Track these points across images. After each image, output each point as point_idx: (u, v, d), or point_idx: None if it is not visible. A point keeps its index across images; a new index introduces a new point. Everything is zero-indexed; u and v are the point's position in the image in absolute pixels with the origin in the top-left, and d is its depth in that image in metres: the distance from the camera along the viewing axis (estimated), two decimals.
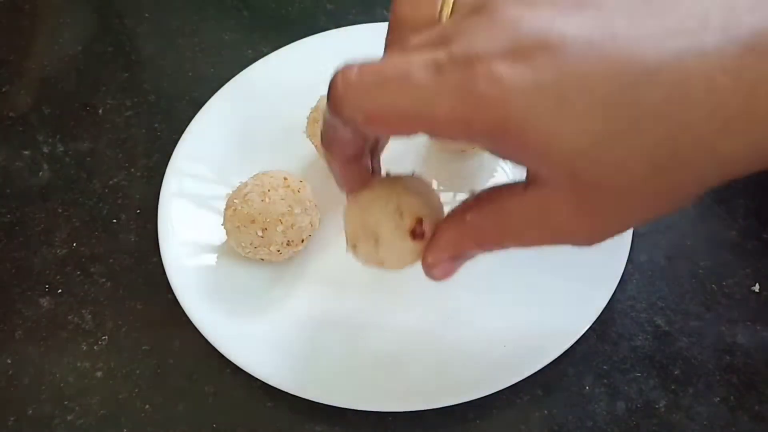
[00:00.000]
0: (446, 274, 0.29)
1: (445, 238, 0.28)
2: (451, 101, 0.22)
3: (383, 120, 0.24)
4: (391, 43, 0.29)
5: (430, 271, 0.29)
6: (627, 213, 0.24)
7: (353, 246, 0.31)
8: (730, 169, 0.22)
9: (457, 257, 0.28)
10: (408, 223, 0.30)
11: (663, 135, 0.21)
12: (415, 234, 0.30)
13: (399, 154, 0.44)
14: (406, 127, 0.24)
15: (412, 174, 0.32)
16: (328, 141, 0.29)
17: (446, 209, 0.44)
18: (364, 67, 0.24)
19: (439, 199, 0.32)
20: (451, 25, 0.24)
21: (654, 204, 0.23)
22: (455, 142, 0.25)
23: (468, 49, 0.22)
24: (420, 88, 0.23)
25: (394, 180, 0.31)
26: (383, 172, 0.32)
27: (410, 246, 0.30)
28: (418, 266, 0.29)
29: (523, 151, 0.23)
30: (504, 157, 0.24)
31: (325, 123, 0.28)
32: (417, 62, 0.23)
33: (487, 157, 0.44)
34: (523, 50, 0.22)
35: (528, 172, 0.25)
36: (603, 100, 0.21)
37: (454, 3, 0.27)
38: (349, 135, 0.28)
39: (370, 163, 0.30)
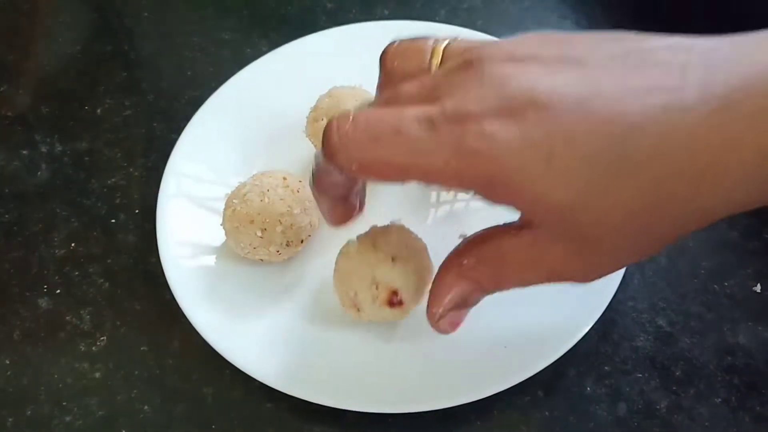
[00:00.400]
0: (454, 325, 0.30)
1: (445, 288, 0.29)
2: (444, 156, 0.23)
3: (376, 170, 0.25)
4: (382, 88, 0.30)
5: (437, 325, 0.30)
6: (613, 256, 0.25)
7: (345, 308, 0.35)
8: (706, 217, 0.23)
9: (461, 305, 0.29)
10: (383, 296, 0.33)
11: (643, 187, 0.22)
12: (392, 304, 0.33)
13: None
14: (398, 177, 0.25)
15: (391, 225, 0.35)
16: (319, 183, 0.30)
17: (447, 208, 0.44)
18: (358, 119, 0.25)
19: (421, 249, 0.35)
20: (442, 77, 0.25)
21: (635, 248, 0.24)
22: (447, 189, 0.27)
23: (459, 107, 0.24)
24: (413, 142, 0.24)
25: (373, 239, 0.34)
26: (368, 226, 0.35)
27: (391, 312, 0.34)
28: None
29: (514, 200, 0.24)
30: (496, 203, 0.25)
31: (318, 167, 0.29)
32: (410, 117, 0.24)
33: None
34: (512, 108, 0.23)
35: (521, 215, 0.26)
36: (589, 155, 0.22)
37: (443, 53, 0.28)
38: (341, 179, 0.29)
39: (356, 200, 0.32)
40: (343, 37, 0.49)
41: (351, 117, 0.25)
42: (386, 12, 0.54)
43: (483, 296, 0.29)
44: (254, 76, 0.47)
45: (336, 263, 0.35)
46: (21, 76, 0.52)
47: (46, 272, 0.42)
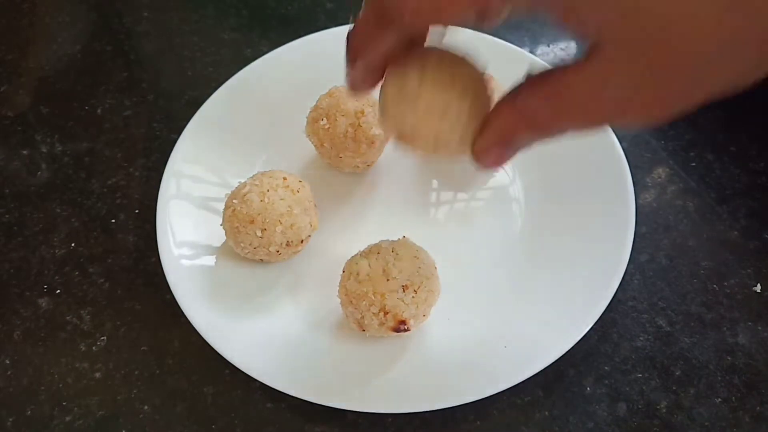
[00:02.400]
0: (496, 161, 0.28)
1: (497, 122, 0.26)
2: None
3: (433, 7, 0.23)
4: None
5: (479, 158, 0.28)
6: (696, 82, 0.22)
7: (349, 323, 0.36)
8: None
9: (508, 143, 0.27)
10: (391, 324, 0.33)
11: (762, 8, 0.19)
12: (399, 330, 0.34)
13: (399, 155, 0.44)
14: (456, 10, 0.23)
15: (401, 242, 0.35)
16: (357, 46, 0.27)
17: (447, 209, 0.44)
18: None
19: (431, 272, 0.35)
20: None
21: (721, 77, 0.21)
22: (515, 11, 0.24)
23: None
24: None
25: (384, 262, 0.34)
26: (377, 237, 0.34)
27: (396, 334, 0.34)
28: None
29: (597, 11, 0.21)
30: (566, 20, 0.22)
31: (358, 27, 0.27)
32: None
33: None
34: None
35: (589, 41, 0.23)
36: None
37: None
38: (384, 42, 0.26)
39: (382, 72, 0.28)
40: (343, 36, 0.49)
41: None
42: None
43: (530, 138, 0.26)
44: (254, 76, 0.47)
45: (343, 280, 0.35)
46: (21, 76, 0.52)
47: (46, 272, 0.42)
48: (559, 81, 0.24)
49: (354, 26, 0.27)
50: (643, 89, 0.22)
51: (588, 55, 0.23)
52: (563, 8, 0.22)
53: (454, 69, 0.28)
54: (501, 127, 0.26)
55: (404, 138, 0.29)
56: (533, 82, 0.25)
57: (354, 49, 0.28)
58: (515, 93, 0.25)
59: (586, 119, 0.24)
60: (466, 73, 0.28)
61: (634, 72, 0.22)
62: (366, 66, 0.28)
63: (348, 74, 0.29)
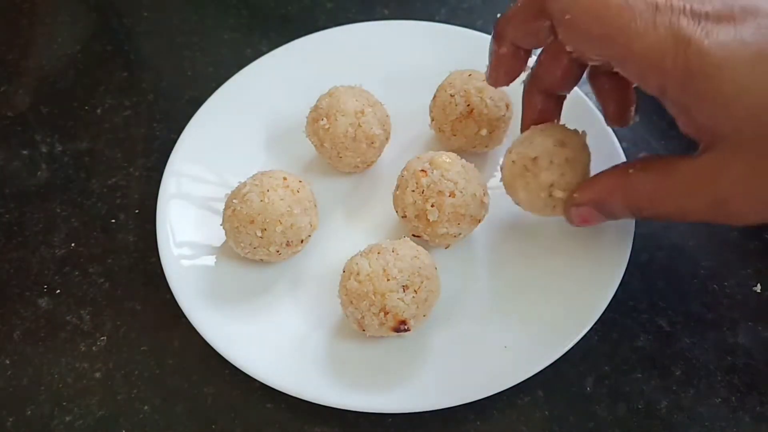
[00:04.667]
0: (583, 219, 0.30)
1: (601, 184, 0.29)
2: (655, 35, 0.23)
3: (588, 23, 0.25)
4: None
5: (570, 208, 0.30)
6: None
7: (349, 322, 0.36)
8: None
9: (603, 205, 0.29)
10: (391, 324, 0.33)
11: None
12: (399, 331, 0.34)
13: (403, 149, 0.44)
14: (601, 43, 0.25)
15: (403, 242, 0.36)
16: (513, 29, 0.30)
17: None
18: None
19: (431, 273, 0.35)
20: None
21: None
22: (640, 83, 0.27)
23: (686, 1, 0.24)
24: (635, 15, 0.24)
25: (384, 262, 0.34)
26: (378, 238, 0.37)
27: (396, 334, 0.35)
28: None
29: (712, 98, 0.23)
30: (686, 106, 0.25)
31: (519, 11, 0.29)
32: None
33: (490, 156, 0.44)
34: (733, 13, 0.23)
35: (704, 137, 0.25)
36: None
37: None
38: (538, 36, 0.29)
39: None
40: (343, 37, 0.49)
41: None
42: (386, 12, 0.54)
43: (624, 209, 0.28)
44: (254, 76, 0.47)
45: (343, 279, 0.35)
46: (21, 76, 0.52)
47: (46, 272, 0.42)
48: (671, 165, 0.26)
49: (508, 12, 0.30)
50: (753, 182, 0.24)
51: (703, 148, 0.25)
52: (678, 112, 0.24)
53: (573, 148, 0.32)
54: (601, 190, 0.28)
55: (515, 196, 0.35)
56: (646, 160, 0.27)
57: (501, 33, 0.31)
58: (626, 165, 0.28)
59: (687, 208, 0.26)
60: (577, 146, 0.33)
61: (745, 166, 0.23)
62: (511, 55, 0.32)
63: (490, 62, 0.33)
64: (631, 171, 0.27)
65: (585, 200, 0.29)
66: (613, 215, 0.29)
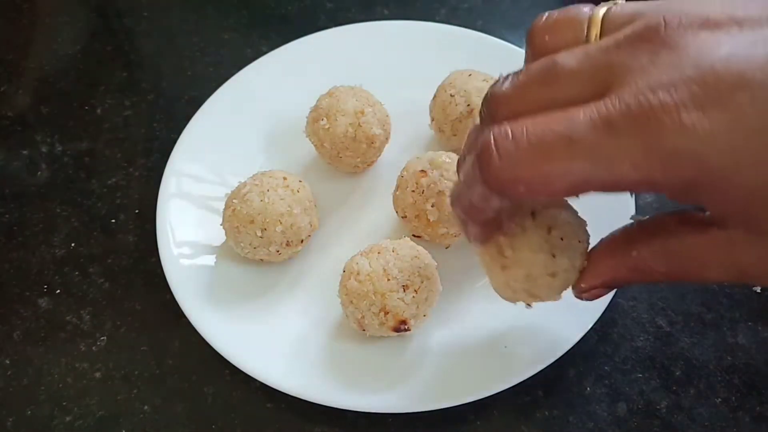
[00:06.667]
0: (596, 297, 0.28)
1: (603, 268, 0.26)
2: (631, 162, 0.20)
3: (549, 189, 0.21)
4: (532, 62, 0.24)
5: (580, 294, 0.28)
6: None
7: (350, 322, 0.36)
8: None
9: (615, 286, 0.27)
10: (391, 324, 0.34)
11: None
12: (399, 330, 0.34)
13: (403, 149, 0.44)
14: (574, 192, 0.22)
15: (403, 242, 0.35)
16: (467, 209, 0.26)
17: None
18: (519, 133, 0.21)
19: (431, 273, 0.35)
20: (613, 51, 0.21)
21: None
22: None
23: (644, 98, 0.19)
24: (592, 152, 0.20)
25: (384, 262, 0.34)
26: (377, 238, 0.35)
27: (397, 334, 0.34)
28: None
29: (721, 202, 0.20)
30: (687, 203, 0.22)
31: (465, 190, 0.25)
32: (582, 121, 0.20)
33: None
34: (717, 92, 0.19)
35: (710, 213, 0.22)
36: None
37: (603, 21, 0.23)
38: (498, 203, 0.25)
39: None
40: (343, 37, 0.49)
41: (509, 132, 0.21)
42: (386, 12, 0.54)
43: (637, 282, 0.26)
44: (254, 76, 0.47)
45: (343, 279, 0.35)
46: (21, 76, 0.52)
47: (46, 272, 0.42)
48: (681, 245, 0.23)
49: (459, 193, 0.26)
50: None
51: (712, 221, 0.22)
52: (684, 197, 0.21)
53: (562, 226, 0.28)
54: (608, 273, 0.26)
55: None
56: (646, 237, 0.24)
57: (462, 209, 0.26)
58: (627, 241, 0.25)
59: (711, 279, 0.23)
60: (568, 228, 0.29)
61: (763, 250, 0.21)
62: (477, 224, 0.27)
63: (465, 230, 0.28)
64: (635, 252, 0.25)
65: (593, 288, 0.27)
66: (625, 284, 0.27)
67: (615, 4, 0.24)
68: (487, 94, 0.24)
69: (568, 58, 0.22)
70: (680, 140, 0.19)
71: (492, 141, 0.21)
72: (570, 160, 0.20)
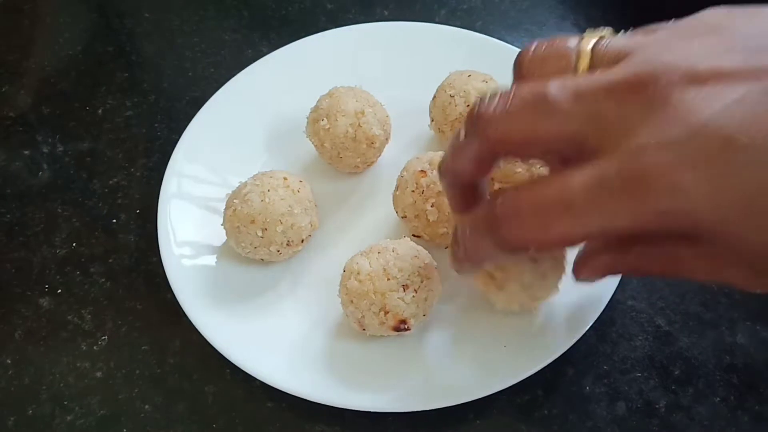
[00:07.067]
0: (593, 281, 0.29)
1: (600, 262, 0.27)
2: (629, 218, 0.21)
3: (555, 245, 0.25)
4: (527, 102, 0.24)
5: (579, 280, 0.29)
6: None
7: (350, 322, 0.36)
8: None
9: (607, 275, 0.29)
10: (391, 323, 0.34)
11: None
12: (399, 330, 0.34)
13: (403, 149, 0.44)
14: (575, 244, 0.25)
15: (403, 242, 0.36)
16: (473, 256, 0.28)
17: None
18: (519, 203, 0.24)
19: (432, 273, 0.35)
20: (603, 100, 0.22)
21: None
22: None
23: (637, 161, 0.21)
24: (589, 213, 0.22)
25: (384, 262, 0.35)
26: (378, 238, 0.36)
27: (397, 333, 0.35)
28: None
29: (715, 244, 0.22)
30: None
31: (473, 241, 0.27)
32: (578, 187, 0.22)
33: None
34: (706, 153, 0.20)
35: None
36: None
37: (592, 54, 0.24)
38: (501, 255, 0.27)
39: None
40: (343, 37, 0.49)
41: (511, 202, 0.24)
42: (386, 13, 0.54)
43: (633, 274, 0.29)
44: (255, 77, 0.47)
45: (344, 279, 0.35)
46: (22, 76, 0.52)
47: (47, 272, 0.42)
48: (673, 253, 0.24)
49: (465, 240, 0.28)
50: (757, 280, 0.23)
51: (698, 238, 0.23)
52: (682, 239, 0.23)
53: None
54: (605, 267, 0.27)
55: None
56: (638, 242, 0.26)
57: (467, 259, 0.29)
58: (622, 245, 0.26)
59: (698, 279, 0.25)
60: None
61: (746, 270, 0.23)
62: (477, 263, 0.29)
63: (457, 268, 0.30)
64: (628, 258, 0.26)
65: (590, 278, 0.29)
66: (621, 273, 0.31)
67: (602, 37, 0.25)
68: (474, 110, 0.25)
69: (559, 94, 0.23)
70: (673, 200, 0.20)
71: (497, 208, 0.24)
72: (571, 224, 0.23)
